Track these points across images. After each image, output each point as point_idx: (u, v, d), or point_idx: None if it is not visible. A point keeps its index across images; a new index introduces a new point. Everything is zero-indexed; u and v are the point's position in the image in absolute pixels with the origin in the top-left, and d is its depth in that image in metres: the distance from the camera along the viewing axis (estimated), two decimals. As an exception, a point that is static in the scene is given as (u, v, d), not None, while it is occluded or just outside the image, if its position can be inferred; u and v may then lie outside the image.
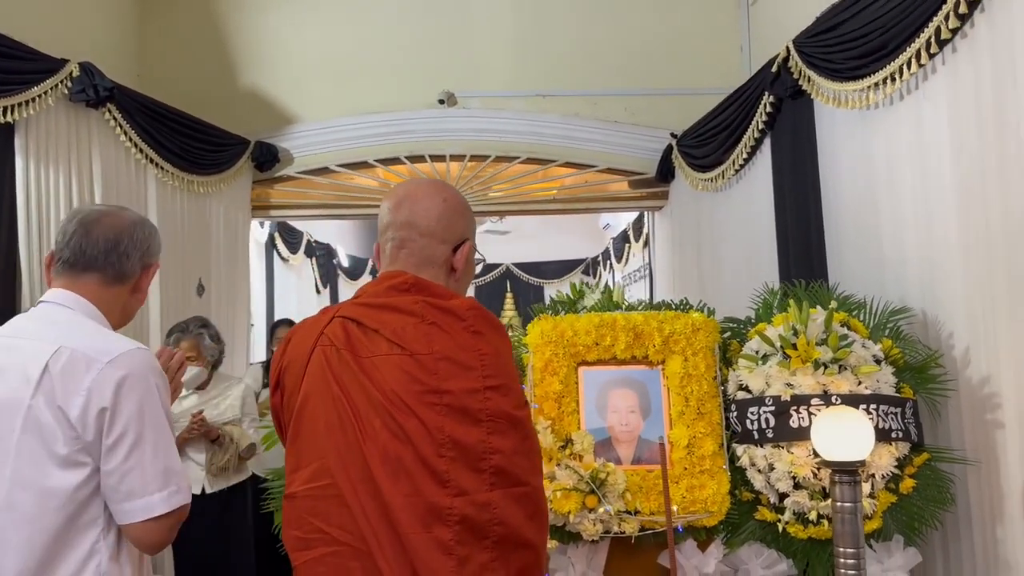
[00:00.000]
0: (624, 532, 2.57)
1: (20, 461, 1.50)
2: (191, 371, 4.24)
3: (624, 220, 8.82)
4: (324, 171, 5.37)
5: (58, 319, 1.60)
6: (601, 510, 2.55)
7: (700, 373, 2.74)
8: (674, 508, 2.57)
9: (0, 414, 1.53)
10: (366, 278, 12.08)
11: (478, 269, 1.62)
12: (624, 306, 2.90)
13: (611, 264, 9.64)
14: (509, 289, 10.82)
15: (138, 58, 5.10)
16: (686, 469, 2.66)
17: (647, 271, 7.54)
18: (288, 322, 4.73)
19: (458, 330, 1.43)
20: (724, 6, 5.32)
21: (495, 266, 12.25)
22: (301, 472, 1.43)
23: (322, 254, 10.28)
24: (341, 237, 11.59)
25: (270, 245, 8.13)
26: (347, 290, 11.42)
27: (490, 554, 1.35)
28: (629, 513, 2.59)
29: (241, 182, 5.12)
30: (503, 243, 11.77)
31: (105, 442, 1.47)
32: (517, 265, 12.15)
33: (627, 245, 8.52)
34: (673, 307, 2.89)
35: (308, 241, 9.48)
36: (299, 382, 1.47)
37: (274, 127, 5.29)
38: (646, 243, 7.50)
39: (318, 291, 10.02)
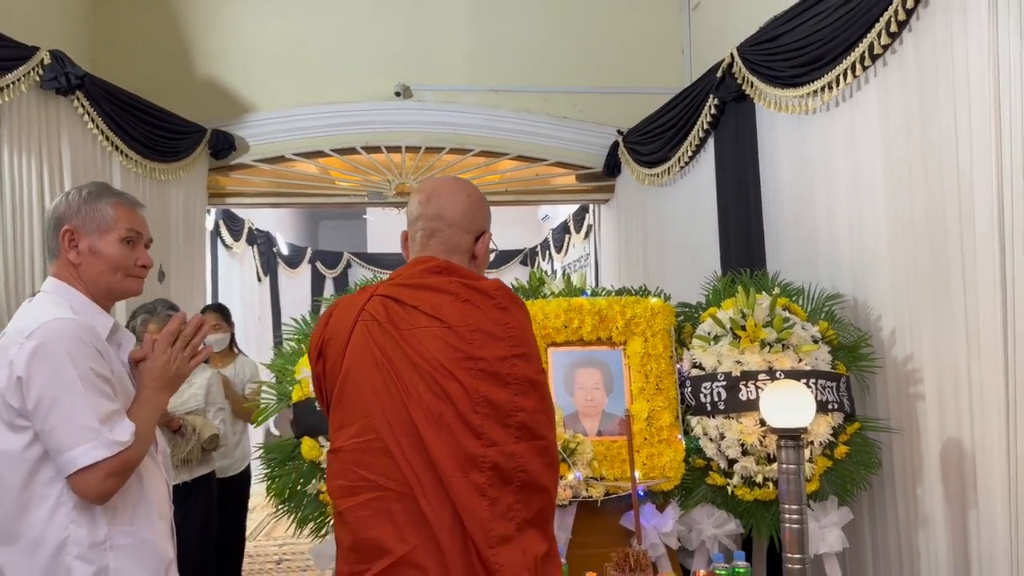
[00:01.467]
0: (591, 496, 2.83)
1: None
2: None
3: (563, 212, 9.09)
4: (280, 160, 5.48)
5: (32, 304, 1.80)
6: (571, 477, 2.80)
7: (658, 353, 3.01)
8: (636, 474, 2.83)
9: None
10: (305, 267, 12.10)
11: (491, 257, 1.84)
12: (589, 291, 3.15)
13: (550, 254, 9.91)
14: (448, 278, 11.00)
15: (92, 44, 5.10)
16: (646, 439, 2.93)
17: (588, 261, 7.84)
18: (215, 306, 4.42)
19: (488, 306, 1.66)
20: (666, 11, 5.61)
21: (434, 255, 12.39)
22: (347, 429, 1.63)
23: (263, 242, 10.27)
24: (280, 225, 11.58)
25: (215, 233, 8.14)
26: (287, 279, 11.42)
27: (515, 496, 1.58)
28: (595, 479, 2.85)
29: (198, 169, 5.19)
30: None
31: (28, 406, 1.64)
32: (456, 254, 12.32)
33: (567, 236, 8.80)
34: (633, 293, 3.16)
35: (249, 228, 9.48)
36: (342, 352, 1.67)
37: (230, 116, 5.36)
38: (587, 234, 7.80)
39: (259, 279, 10.03)
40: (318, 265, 12.42)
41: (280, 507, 2.75)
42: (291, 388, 2.79)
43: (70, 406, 1.62)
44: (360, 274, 12.82)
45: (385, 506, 1.57)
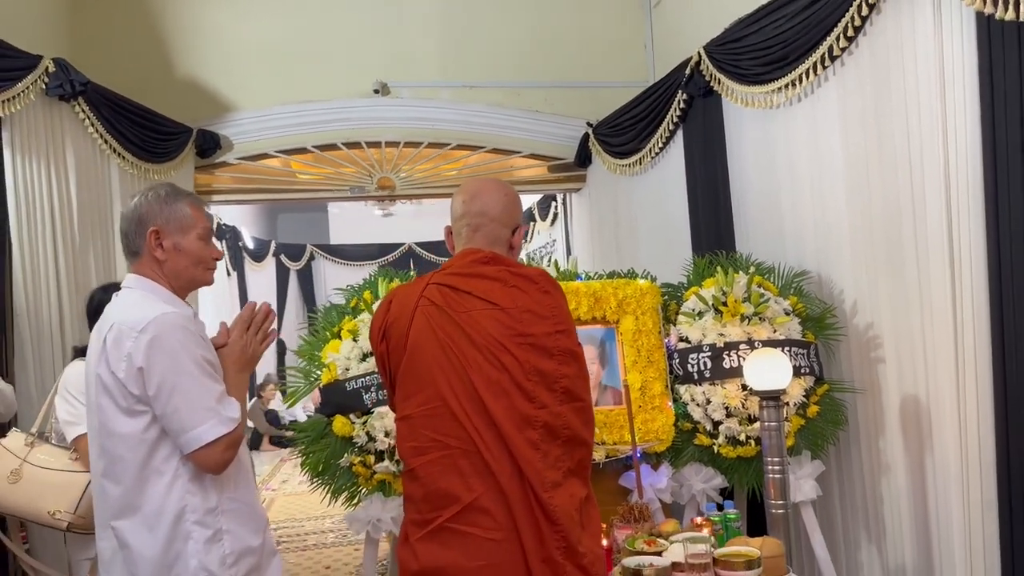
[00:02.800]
0: (594, 459, 3.13)
1: (102, 415, 1.90)
2: None
3: (527, 199, 9.36)
4: (263, 157, 5.65)
5: (122, 299, 2.00)
6: (575, 443, 3.10)
7: (648, 329, 3.33)
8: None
9: (89, 380, 1.96)
10: (269, 260, 12.20)
11: (524, 247, 2.13)
12: (583, 275, 3.46)
13: (514, 241, 10.16)
14: (412, 267, 11.24)
15: (72, 44, 5.18)
16: (640, 407, 3.25)
17: (554, 247, 8.15)
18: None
19: (533, 290, 1.95)
20: (630, 8, 5.91)
21: (398, 245, 12.63)
22: (414, 398, 1.91)
23: (229, 236, 10.38)
24: (243, 219, 11.67)
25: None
26: (252, 273, 11.53)
27: (561, 449, 1.88)
28: (597, 444, 3.16)
29: (186, 168, 5.34)
30: (405, 223, 12.16)
31: (149, 393, 1.84)
32: (419, 244, 12.57)
33: (532, 223, 9.07)
34: (623, 276, 3.47)
35: (218, 223, 9.59)
36: (405, 334, 1.94)
37: (213, 115, 5.51)
38: (553, 221, 8.10)
39: (228, 273, 10.15)
40: (282, 258, 12.52)
41: (315, 480, 3.00)
42: (319, 372, 3.04)
43: (189, 390, 1.84)
44: (324, 266, 12.97)
45: (452, 462, 1.85)
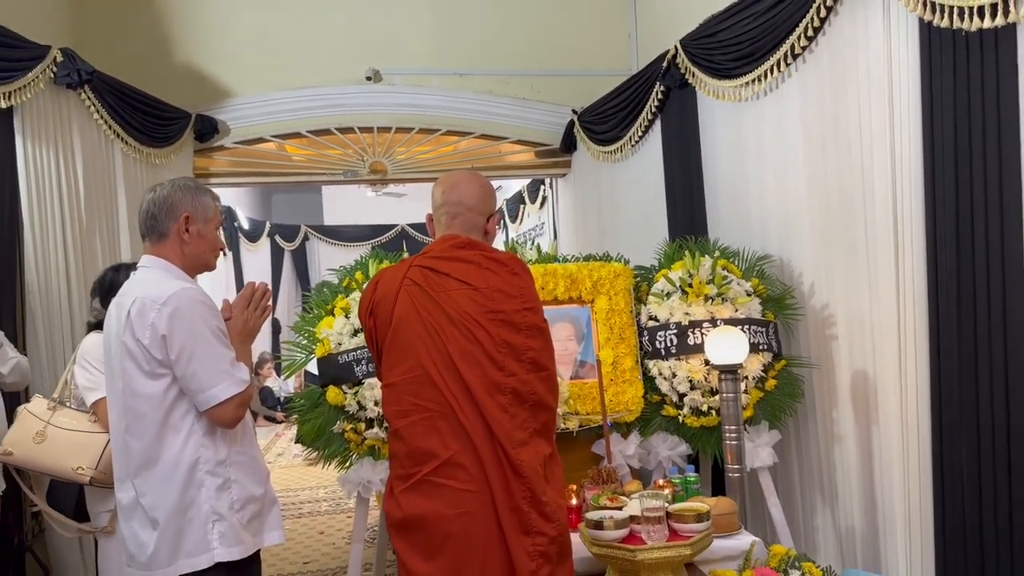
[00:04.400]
0: (568, 428, 3.39)
1: (126, 378, 2.15)
2: None
3: (517, 182, 9.58)
4: (259, 141, 5.87)
5: (141, 277, 2.25)
6: (551, 412, 3.36)
7: (620, 308, 3.58)
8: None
9: (114, 347, 2.19)
10: (264, 240, 12.40)
11: (499, 232, 2.38)
12: (560, 258, 3.70)
13: (504, 223, 10.41)
14: (405, 248, 11.47)
15: (76, 33, 5.36)
16: (612, 380, 3.50)
17: (543, 229, 8.38)
18: None
19: (504, 272, 2.20)
20: (614, -2, 6.14)
21: (391, 227, 12.84)
22: (398, 367, 2.15)
23: (225, 217, 10.58)
24: (238, 200, 11.85)
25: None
26: (247, 253, 11.74)
27: (528, 412, 2.13)
28: (571, 414, 3.42)
29: (185, 152, 5.56)
30: (398, 204, 12.38)
31: (171, 358, 2.09)
32: (411, 225, 12.80)
33: (522, 206, 9.30)
34: (598, 259, 3.71)
35: (214, 204, 9.77)
36: (390, 311, 2.18)
37: (212, 100, 5.72)
38: (542, 204, 8.33)
39: (224, 254, 10.34)
40: (277, 238, 12.73)
41: (309, 447, 3.25)
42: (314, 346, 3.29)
43: (206, 355, 2.09)
44: (318, 247, 13.19)
45: (432, 423, 2.10)
